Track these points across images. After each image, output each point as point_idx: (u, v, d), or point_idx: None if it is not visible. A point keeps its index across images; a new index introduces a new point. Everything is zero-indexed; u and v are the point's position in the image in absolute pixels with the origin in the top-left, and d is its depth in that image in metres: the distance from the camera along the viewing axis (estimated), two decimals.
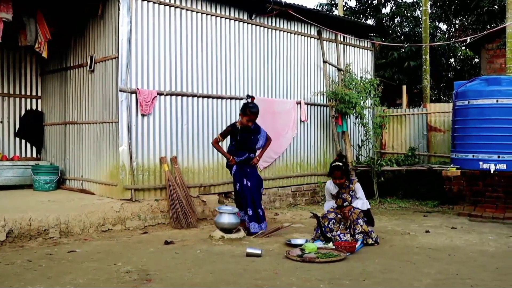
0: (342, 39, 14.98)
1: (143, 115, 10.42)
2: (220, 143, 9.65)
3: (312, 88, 14.02)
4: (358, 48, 15.58)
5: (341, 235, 8.44)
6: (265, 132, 9.83)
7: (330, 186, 9.01)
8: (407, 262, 7.22)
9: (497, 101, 12.06)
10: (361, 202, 8.67)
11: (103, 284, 5.98)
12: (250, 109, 9.37)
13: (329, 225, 8.64)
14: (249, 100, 9.49)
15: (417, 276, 6.44)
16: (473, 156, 12.28)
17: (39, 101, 13.25)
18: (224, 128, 9.98)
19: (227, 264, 7.02)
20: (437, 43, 20.85)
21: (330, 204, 9.00)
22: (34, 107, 13.16)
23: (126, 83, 10.21)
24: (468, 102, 12.49)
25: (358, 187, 8.81)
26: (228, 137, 9.75)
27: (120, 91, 10.16)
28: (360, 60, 15.60)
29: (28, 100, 13.13)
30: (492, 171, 11.95)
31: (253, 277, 6.33)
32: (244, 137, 9.50)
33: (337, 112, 14.01)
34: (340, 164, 8.75)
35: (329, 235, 8.56)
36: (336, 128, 14.30)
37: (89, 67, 11.17)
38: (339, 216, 8.68)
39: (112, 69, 10.50)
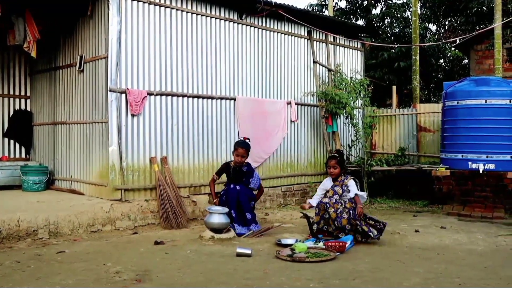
0: (332, 40, 15.00)
1: (133, 115, 10.39)
2: (216, 181, 10.04)
3: (302, 89, 14.03)
4: (348, 49, 15.60)
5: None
6: (259, 177, 9.98)
7: (327, 182, 9.07)
8: (397, 261, 7.24)
9: (486, 101, 12.11)
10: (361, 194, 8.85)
11: (92, 285, 5.96)
12: (237, 143, 9.73)
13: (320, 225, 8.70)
14: (242, 139, 9.90)
15: (407, 275, 6.46)
16: (462, 156, 12.33)
17: (28, 101, 13.20)
18: (219, 167, 10.16)
19: (217, 264, 7.01)
20: (427, 44, 20.91)
21: (316, 198, 9.05)
22: (23, 107, 13.11)
23: (116, 83, 10.19)
24: (457, 103, 12.54)
25: (352, 183, 8.86)
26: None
27: (110, 91, 10.13)
28: (350, 61, 15.62)
29: (17, 100, 13.08)
30: (481, 171, 12.00)
31: (243, 277, 6.32)
32: (236, 177, 9.74)
33: (328, 112, 14.02)
34: (337, 154, 8.91)
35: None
36: (326, 128, 14.32)
37: (78, 67, 11.13)
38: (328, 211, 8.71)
39: (101, 69, 10.48)
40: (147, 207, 10.19)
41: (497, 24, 14.98)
